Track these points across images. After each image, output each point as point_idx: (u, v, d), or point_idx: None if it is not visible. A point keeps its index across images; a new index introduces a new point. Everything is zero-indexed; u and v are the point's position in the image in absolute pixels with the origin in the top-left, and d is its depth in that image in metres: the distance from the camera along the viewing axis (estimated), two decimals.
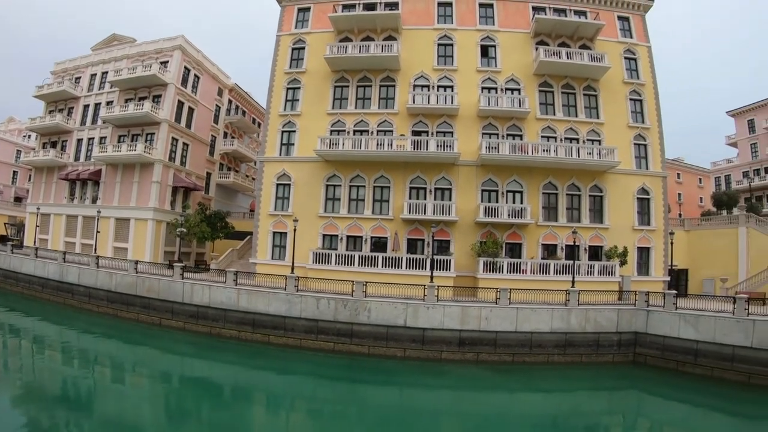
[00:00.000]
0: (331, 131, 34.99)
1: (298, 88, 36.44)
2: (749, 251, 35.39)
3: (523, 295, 26.28)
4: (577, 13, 36.76)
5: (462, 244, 32.32)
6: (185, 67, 43.93)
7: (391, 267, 30.04)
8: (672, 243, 32.84)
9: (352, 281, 25.78)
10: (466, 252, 31.88)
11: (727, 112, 66.16)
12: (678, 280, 35.91)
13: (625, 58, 36.24)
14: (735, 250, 35.91)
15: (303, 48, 37.18)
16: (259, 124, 55.77)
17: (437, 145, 32.07)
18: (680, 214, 51.58)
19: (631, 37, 36.84)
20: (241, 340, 25.85)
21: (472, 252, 31.61)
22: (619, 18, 37.23)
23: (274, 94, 36.56)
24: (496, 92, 34.43)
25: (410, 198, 33.30)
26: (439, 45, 35.91)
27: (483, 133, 33.89)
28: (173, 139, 42.69)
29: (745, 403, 20.18)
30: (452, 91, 34.59)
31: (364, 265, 30.08)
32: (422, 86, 35.06)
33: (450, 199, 33.04)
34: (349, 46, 34.65)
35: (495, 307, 24.80)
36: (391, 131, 34.35)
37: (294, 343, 25.06)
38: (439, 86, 34.99)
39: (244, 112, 55.72)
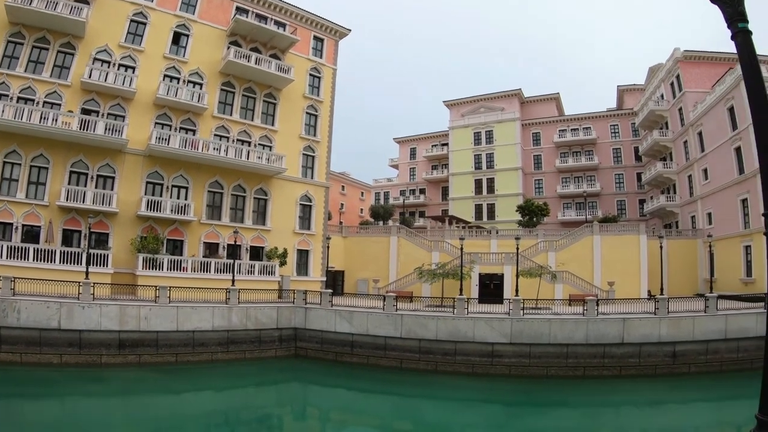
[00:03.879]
0: None
1: None
2: (399, 257, 42.73)
3: (184, 293, 25.95)
4: (277, 23, 38.54)
5: (122, 238, 30.65)
6: None
7: (45, 261, 26.56)
8: (329, 247, 37.44)
9: None
10: (126, 247, 30.36)
11: (394, 139, 79.01)
12: (335, 280, 41.14)
13: (311, 75, 39.84)
14: (387, 255, 42.90)
15: None
16: None
17: (106, 128, 29.82)
18: (341, 222, 58.56)
19: (321, 57, 40.66)
20: None
21: (132, 247, 30.23)
22: (315, 38, 40.66)
23: None
24: (178, 83, 33.82)
25: (70, 183, 29.95)
26: (132, 21, 33.11)
27: (156, 123, 32.78)
28: None
29: (399, 384, 24.15)
30: (133, 72, 32.46)
31: (14, 258, 25.99)
32: (103, 61, 31.90)
33: (112, 189, 30.99)
34: None
35: (155, 306, 24.24)
36: (60, 105, 30.26)
37: None
38: (120, 65, 32.31)
39: None
